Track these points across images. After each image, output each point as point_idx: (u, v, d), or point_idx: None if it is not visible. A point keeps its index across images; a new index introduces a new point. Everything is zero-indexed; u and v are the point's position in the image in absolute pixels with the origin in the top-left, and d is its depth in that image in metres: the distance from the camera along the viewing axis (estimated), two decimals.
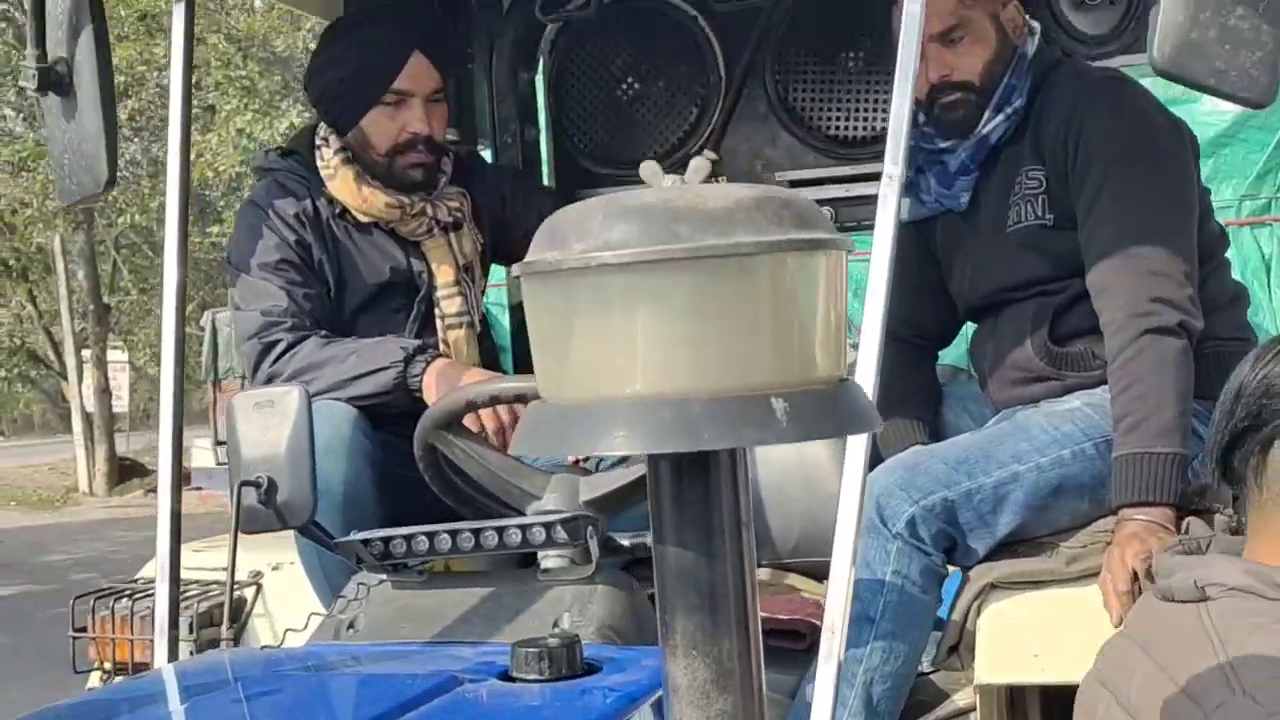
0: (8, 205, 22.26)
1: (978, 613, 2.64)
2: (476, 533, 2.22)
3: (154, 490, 20.21)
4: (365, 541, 2.25)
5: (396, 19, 3.35)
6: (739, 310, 1.10)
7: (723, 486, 1.16)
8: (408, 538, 2.25)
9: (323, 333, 3.08)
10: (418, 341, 3.07)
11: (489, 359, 3.34)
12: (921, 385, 3.25)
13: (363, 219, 3.19)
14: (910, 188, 3.23)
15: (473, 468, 2.49)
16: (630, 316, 1.10)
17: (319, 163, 3.21)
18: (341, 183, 3.18)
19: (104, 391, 23.80)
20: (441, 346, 3.20)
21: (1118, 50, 3.22)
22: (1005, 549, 2.70)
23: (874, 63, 3.60)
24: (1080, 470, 2.73)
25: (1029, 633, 2.57)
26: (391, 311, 3.23)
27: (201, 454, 22.63)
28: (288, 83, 20.67)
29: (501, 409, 2.82)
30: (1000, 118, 2.98)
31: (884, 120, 3.57)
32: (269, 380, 3.02)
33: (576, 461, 2.93)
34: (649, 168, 1.22)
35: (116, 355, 24.54)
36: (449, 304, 3.24)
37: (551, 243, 1.13)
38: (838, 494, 2.10)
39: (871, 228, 3.73)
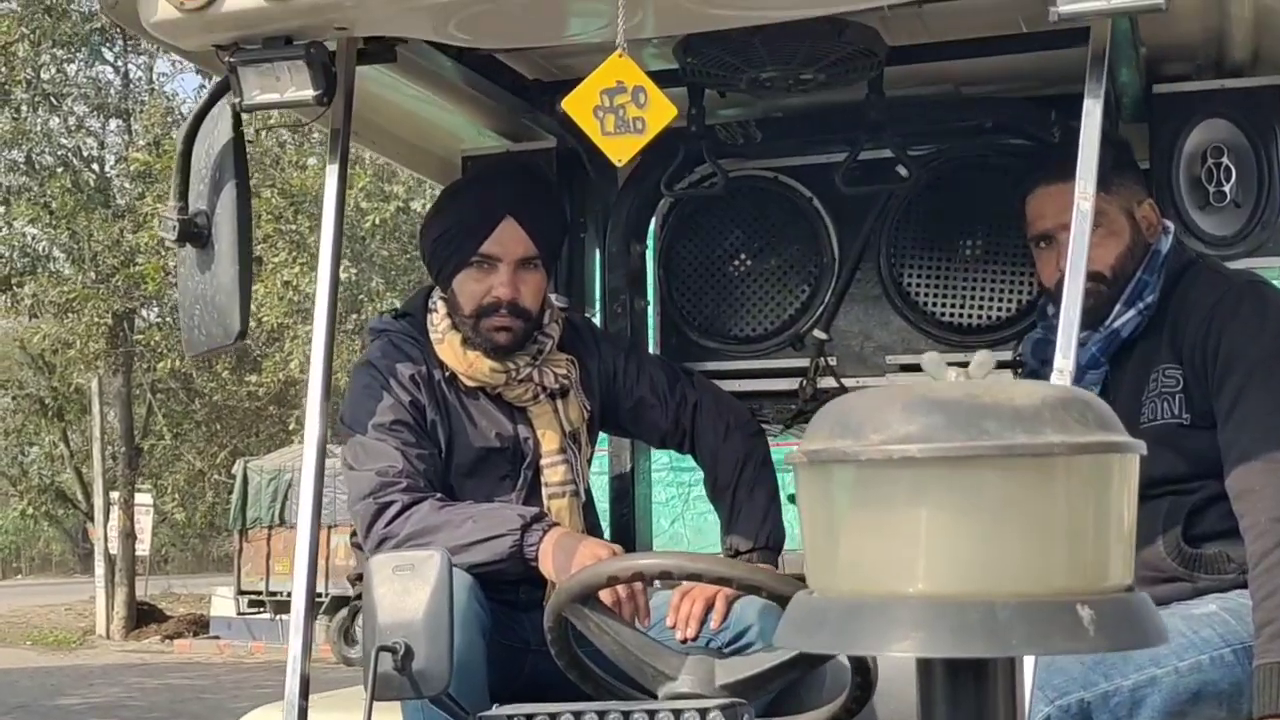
0: (50, 345, 22.44)
1: None
2: (626, 715, 2.16)
3: (171, 637, 20.01)
4: (509, 717, 2.19)
5: (491, 184, 3.41)
6: (1042, 511, 1.07)
7: (1000, 696, 1.12)
8: (552, 715, 2.19)
9: (438, 496, 3.05)
10: (535, 510, 3.04)
11: (592, 529, 3.30)
12: None
13: (469, 384, 3.19)
14: (1034, 379, 3.22)
15: (606, 643, 2.43)
16: (926, 512, 1.07)
17: (429, 326, 3.22)
18: (449, 347, 3.19)
19: (128, 535, 23.72)
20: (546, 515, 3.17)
21: (1243, 252, 3.21)
22: None
23: (992, 250, 3.61)
24: (1219, 677, 2.67)
25: None
26: (498, 478, 3.20)
27: (222, 603, 22.49)
28: None
29: (635, 586, 2.77)
30: (1132, 312, 2.98)
31: (1001, 308, 3.59)
32: (382, 541, 2.98)
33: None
34: (932, 360, 1.20)
35: (142, 498, 24.51)
36: (552, 472, 3.21)
37: (842, 431, 1.10)
38: None
39: None
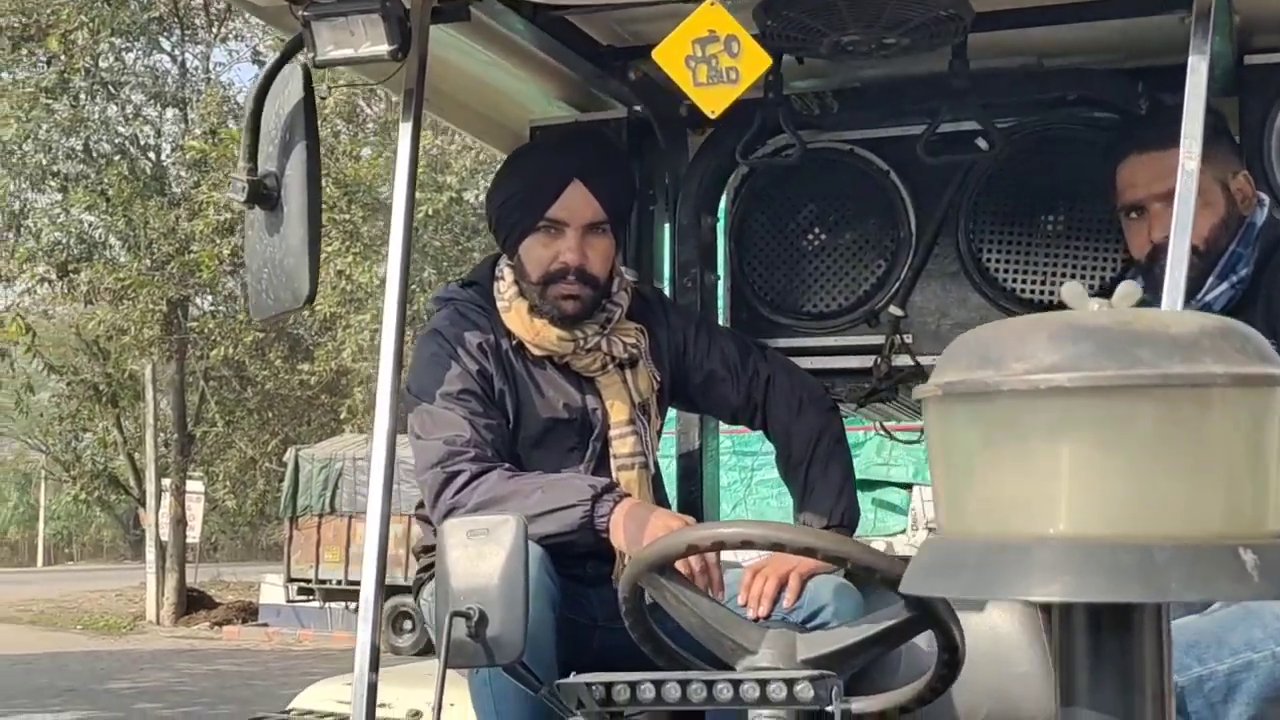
0: (105, 331, 22.59)
1: None
2: (709, 684, 2.08)
3: (220, 624, 20.19)
4: (588, 685, 2.11)
5: (559, 147, 3.34)
6: (1201, 448, 0.99)
7: (1146, 644, 1.03)
8: (632, 684, 2.12)
9: (506, 466, 2.99)
10: (605, 480, 2.97)
11: (660, 503, 3.23)
12: None
13: (537, 353, 3.12)
14: None
15: (683, 615, 2.35)
16: (1072, 447, 0.99)
17: (496, 294, 3.16)
18: (515, 315, 3.13)
19: (179, 521, 23.86)
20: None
21: None
22: None
23: (1075, 226, 3.51)
24: None
25: None
26: (566, 449, 3.14)
27: (271, 590, 22.60)
28: (389, 227, 20.95)
29: (709, 559, 2.70)
30: (1225, 285, 2.89)
31: (1083, 285, 3.48)
32: (450, 511, 2.92)
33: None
34: (1073, 289, 1.11)
35: (194, 485, 24.67)
36: (621, 444, 3.14)
37: (982, 362, 1.02)
38: (1028, 672, 1.95)
39: None
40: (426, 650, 19.48)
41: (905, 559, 2.22)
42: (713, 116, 2.37)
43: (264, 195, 2.85)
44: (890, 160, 3.64)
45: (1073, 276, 3.51)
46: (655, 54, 2.36)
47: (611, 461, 3.14)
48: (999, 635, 2.97)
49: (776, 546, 2.21)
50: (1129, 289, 1.11)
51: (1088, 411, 1.00)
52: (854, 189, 3.69)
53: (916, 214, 3.63)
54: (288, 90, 2.85)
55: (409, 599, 19.40)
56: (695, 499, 3.63)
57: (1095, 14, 3.15)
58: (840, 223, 3.70)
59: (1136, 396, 1.00)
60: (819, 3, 2.84)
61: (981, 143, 3.47)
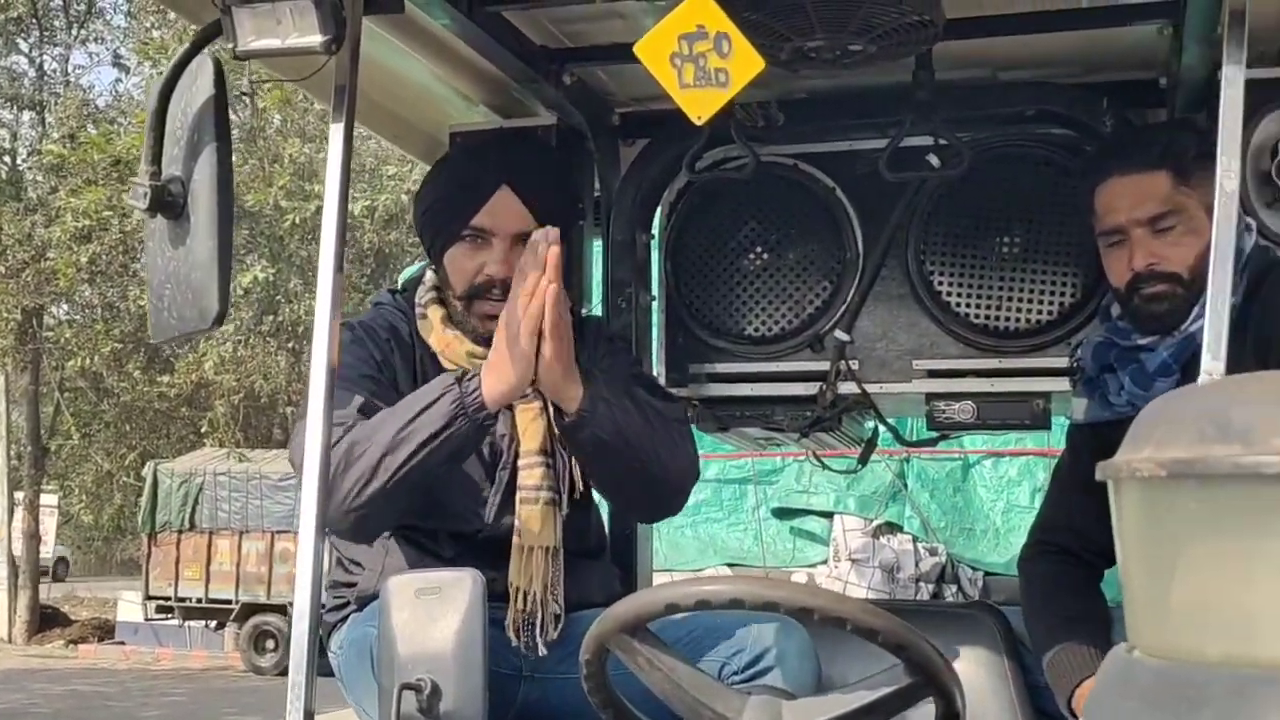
0: None
1: None
2: None
3: (75, 642, 19.52)
4: None
5: (488, 150, 3.09)
6: None
7: None
8: None
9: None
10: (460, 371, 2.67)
11: (577, 551, 2.92)
12: (1096, 607, 2.93)
13: (449, 366, 2.84)
14: (1091, 386, 2.95)
15: (656, 680, 2.11)
16: None
17: (416, 301, 2.90)
18: (429, 323, 2.88)
19: (32, 536, 23.11)
20: (516, 523, 2.81)
21: None
22: None
23: (1031, 248, 3.33)
24: None
25: None
26: (473, 477, 2.85)
27: (128, 607, 21.91)
28: (254, 236, 20.49)
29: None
30: None
31: (1040, 311, 3.31)
32: (342, 498, 2.55)
33: None
34: None
35: (47, 499, 23.88)
36: (529, 475, 2.84)
37: (1220, 434, 0.79)
38: None
39: (1019, 426, 3.50)
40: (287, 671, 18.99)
41: (890, 614, 2.02)
42: (699, 123, 2.12)
43: (168, 203, 2.53)
44: (837, 176, 3.44)
45: (1028, 302, 3.33)
46: (637, 49, 2.10)
47: (517, 493, 2.86)
48: None
49: (771, 607, 1.97)
50: None
51: None
52: (798, 206, 3.47)
53: (864, 233, 3.42)
54: (196, 86, 2.54)
55: (271, 617, 19.03)
56: (630, 535, 3.38)
57: (1069, 23, 2.98)
58: (783, 242, 3.48)
59: None
60: (785, 5, 2.61)
61: (933, 159, 3.28)
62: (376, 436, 2.54)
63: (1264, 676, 0.76)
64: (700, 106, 2.04)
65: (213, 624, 20.27)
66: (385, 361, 2.82)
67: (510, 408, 2.84)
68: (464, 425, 2.54)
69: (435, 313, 2.87)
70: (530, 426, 2.86)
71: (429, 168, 3.53)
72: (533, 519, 2.81)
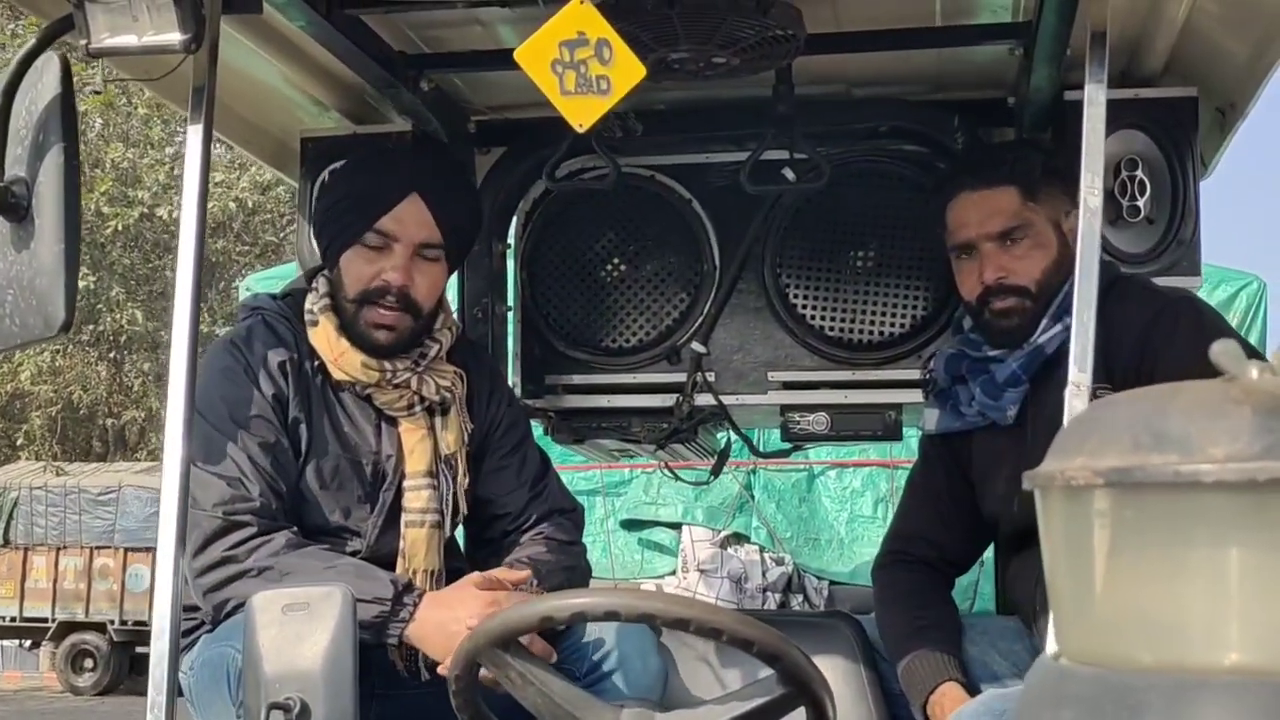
0: None
1: None
2: None
3: None
4: None
5: (401, 156, 3.07)
6: None
7: None
8: None
9: (294, 529, 2.66)
10: (406, 579, 2.66)
11: (454, 570, 2.88)
12: (948, 615, 2.98)
13: (339, 377, 2.79)
14: (943, 397, 3.01)
15: (529, 695, 2.08)
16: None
17: (306, 307, 2.83)
18: (321, 332, 2.80)
19: None
20: (399, 544, 2.78)
21: (1156, 271, 3.04)
22: None
23: (884, 262, 3.38)
24: None
25: None
26: (355, 497, 2.80)
27: None
28: None
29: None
30: (1058, 327, 2.80)
31: (893, 324, 3.36)
32: (220, 564, 2.58)
33: None
34: (1227, 351, 0.90)
35: None
36: (414, 497, 2.80)
37: (1155, 442, 0.81)
38: None
39: (872, 438, 3.55)
40: (109, 689, 18.52)
41: (766, 625, 2.02)
42: (581, 130, 2.10)
43: (11, 205, 2.43)
44: (694, 189, 3.45)
45: (882, 315, 3.38)
46: (517, 55, 2.07)
47: (401, 516, 2.81)
48: None
49: (646, 619, 1.96)
50: None
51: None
52: (656, 218, 3.47)
53: (721, 246, 3.44)
54: (42, 84, 2.44)
55: (90, 635, 18.48)
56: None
57: (924, 42, 3.03)
58: (641, 253, 3.48)
59: None
60: (651, 15, 2.61)
61: (788, 173, 3.32)
62: (291, 581, 2.48)
63: (1200, 681, 0.77)
64: (582, 114, 2.02)
65: (27, 643, 19.60)
66: (277, 395, 2.74)
67: (395, 425, 2.80)
68: (372, 637, 2.51)
69: (329, 320, 2.80)
70: (418, 447, 2.82)
71: (278, 171, 3.48)
72: (419, 542, 2.78)
